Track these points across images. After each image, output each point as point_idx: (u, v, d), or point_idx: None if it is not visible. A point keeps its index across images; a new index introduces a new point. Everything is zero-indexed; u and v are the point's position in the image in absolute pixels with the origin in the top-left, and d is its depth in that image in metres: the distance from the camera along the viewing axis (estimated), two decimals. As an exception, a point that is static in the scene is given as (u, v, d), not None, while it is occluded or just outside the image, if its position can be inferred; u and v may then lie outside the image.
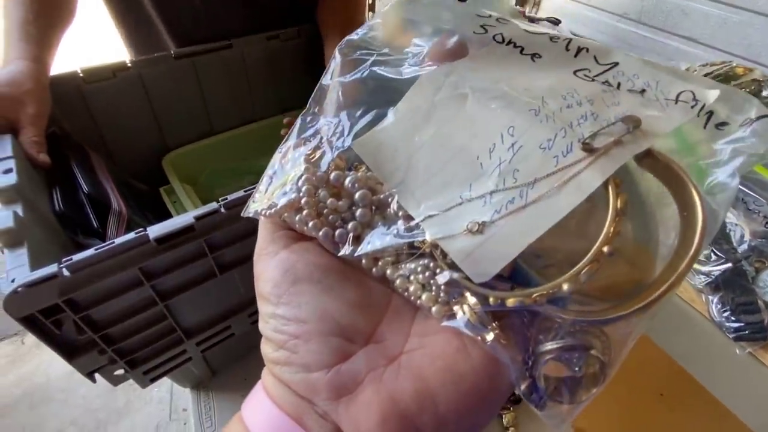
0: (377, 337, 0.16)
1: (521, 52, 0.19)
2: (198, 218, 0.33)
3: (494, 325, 0.15)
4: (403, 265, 0.16)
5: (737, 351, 0.35)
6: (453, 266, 0.15)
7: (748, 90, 0.54)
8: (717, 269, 0.38)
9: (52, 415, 1.13)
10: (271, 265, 0.17)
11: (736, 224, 0.39)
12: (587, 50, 0.18)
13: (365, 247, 0.17)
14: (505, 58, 0.19)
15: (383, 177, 0.17)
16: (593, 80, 0.17)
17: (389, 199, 0.17)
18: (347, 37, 0.20)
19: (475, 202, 0.15)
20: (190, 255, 0.35)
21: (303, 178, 0.17)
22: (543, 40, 0.19)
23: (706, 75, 0.57)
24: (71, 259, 0.30)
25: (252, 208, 0.19)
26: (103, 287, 0.32)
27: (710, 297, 0.38)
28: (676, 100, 0.16)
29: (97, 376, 0.38)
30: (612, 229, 0.14)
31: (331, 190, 0.18)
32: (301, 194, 0.17)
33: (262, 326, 0.17)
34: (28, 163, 0.43)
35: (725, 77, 0.57)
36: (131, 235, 0.32)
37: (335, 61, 0.20)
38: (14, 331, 1.30)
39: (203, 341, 0.43)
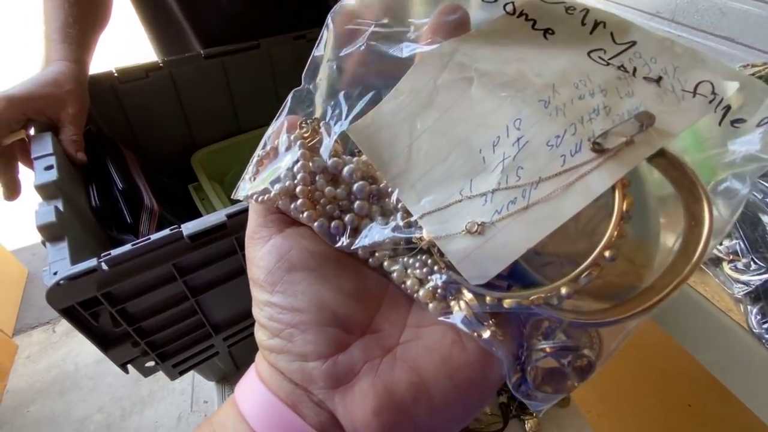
0: (373, 327, 0.16)
1: (533, 26, 0.17)
2: (230, 216, 0.34)
3: (490, 322, 0.15)
4: (400, 259, 0.16)
5: (777, 364, 0.34)
6: (451, 265, 0.15)
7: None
8: (757, 278, 0.36)
9: (80, 402, 1.17)
10: (264, 250, 0.17)
11: (778, 232, 0.38)
12: (604, 25, 0.17)
13: (362, 241, 0.16)
14: (516, 34, 0.17)
15: (381, 167, 0.17)
16: (608, 64, 0.16)
17: (389, 189, 0.17)
18: (341, 2, 0.19)
19: (476, 200, 0.15)
20: (222, 252, 0.36)
21: (299, 164, 0.17)
22: (558, 12, 0.17)
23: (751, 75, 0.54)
24: (110, 254, 0.31)
25: (242, 192, 0.18)
26: (139, 282, 0.33)
27: (749, 307, 0.36)
28: (694, 93, 0.15)
29: (130, 368, 0.39)
30: (616, 232, 0.13)
31: (329, 177, 0.17)
32: (296, 182, 0.17)
33: (256, 312, 0.17)
34: (67, 160, 0.45)
35: (767, 80, 0.55)
36: (166, 232, 0.32)
37: (328, 30, 0.19)
38: (46, 319, 1.35)
39: (230, 336, 0.44)
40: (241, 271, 0.38)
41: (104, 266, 0.31)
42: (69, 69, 0.47)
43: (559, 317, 0.14)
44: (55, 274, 0.30)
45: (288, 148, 0.18)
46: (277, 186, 0.17)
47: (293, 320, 0.16)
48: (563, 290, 0.13)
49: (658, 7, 0.99)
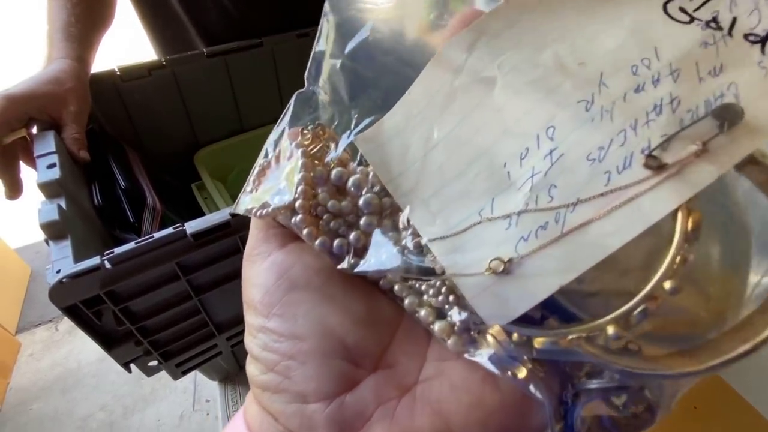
0: (387, 360, 0.14)
1: None
2: (234, 215, 0.33)
3: (526, 358, 0.12)
4: (412, 283, 0.14)
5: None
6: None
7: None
8: None
9: (82, 400, 1.17)
10: (262, 268, 0.15)
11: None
12: None
13: (368, 263, 0.14)
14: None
15: (390, 182, 0.14)
16: (692, 20, 0.12)
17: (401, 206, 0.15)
18: None
19: (498, 224, 0.12)
20: (225, 251, 0.36)
21: (299, 175, 0.15)
22: None
23: None
24: (113, 252, 0.31)
25: (242, 206, 0.16)
26: (142, 280, 0.33)
27: None
28: None
29: (132, 366, 0.39)
30: (678, 258, 0.10)
31: (333, 190, 0.15)
32: (296, 195, 0.15)
33: (249, 341, 0.14)
34: (70, 158, 0.45)
35: None
36: (169, 230, 0.32)
37: (327, 21, 0.17)
38: (49, 317, 1.36)
39: (233, 336, 0.44)
40: (244, 270, 0.38)
41: (107, 264, 0.30)
42: (70, 67, 0.47)
43: (607, 363, 0.11)
44: (58, 272, 0.30)
45: (290, 157, 0.16)
46: (277, 199, 0.15)
47: (292, 350, 0.13)
48: (610, 330, 0.11)
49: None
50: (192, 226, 0.33)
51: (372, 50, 0.16)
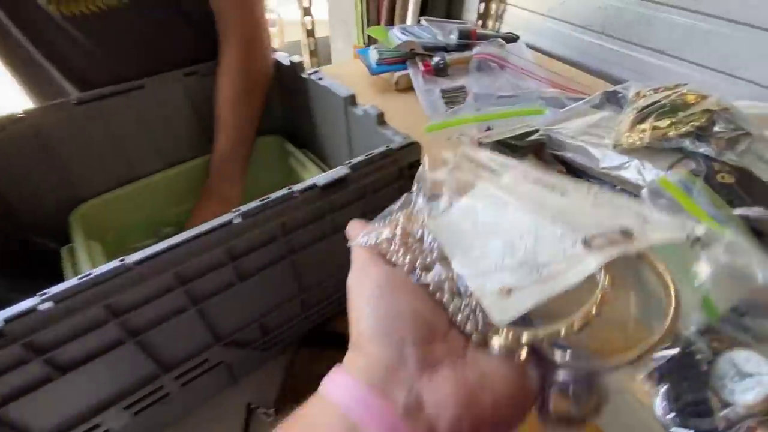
0: (448, 338, 0.21)
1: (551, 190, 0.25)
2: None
3: (523, 346, 0.20)
4: (455, 299, 0.22)
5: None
6: None
7: (698, 123, 0.47)
8: (660, 354, 0.31)
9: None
10: (372, 276, 0.23)
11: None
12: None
13: (431, 278, 0.23)
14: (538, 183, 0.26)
15: (449, 249, 0.24)
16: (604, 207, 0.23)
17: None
18: (424, 170, 0.27)
19: (506, 270, 0.22)
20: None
21: (401, 227, 0.25)
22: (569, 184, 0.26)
23: (655, 102, 0.49)
24: None
25: (357, 241, 0.26)
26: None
27: (653, 391, 0.31)
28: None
29: None
30: (600, 297, 0.19)
31: (416, 239, 0.25)
32: (396, 237, 0.25)
33: (357, 324, 0.22)
34: None
35: (672, 107, 0.49)
36: None
37: (417, 185, 0.27)
38: None
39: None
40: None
41: None
42: None
43: (560, 362, 0.20)
44: None
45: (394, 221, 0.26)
46: (383, 235, 0.25)
47: (396, 318, 0.21)
48: (562, 331, 0.19)
49: (588, 20, 0.95)
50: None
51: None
